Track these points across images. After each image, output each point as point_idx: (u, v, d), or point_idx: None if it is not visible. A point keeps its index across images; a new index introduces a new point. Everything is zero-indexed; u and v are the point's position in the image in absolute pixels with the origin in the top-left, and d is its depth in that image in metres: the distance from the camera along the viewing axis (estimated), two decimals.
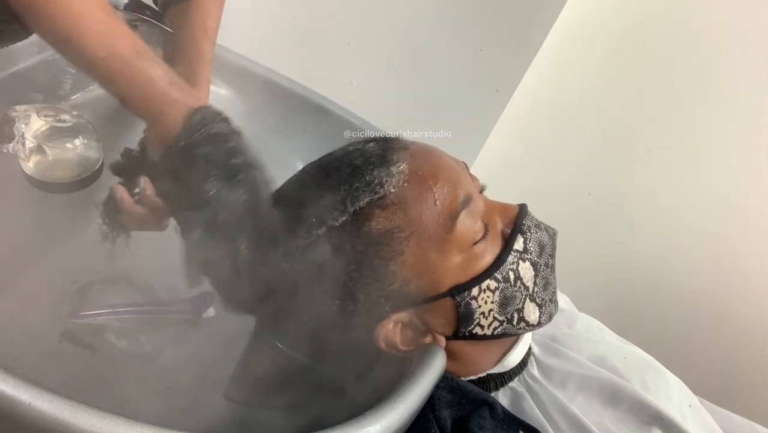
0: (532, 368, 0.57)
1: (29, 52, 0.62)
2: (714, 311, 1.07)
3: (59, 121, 0.52)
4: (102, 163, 0.54)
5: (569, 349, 0.59)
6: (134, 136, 0.71)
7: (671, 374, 0.61)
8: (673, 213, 1.06)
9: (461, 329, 0.50)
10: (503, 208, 0.53)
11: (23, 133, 0.50)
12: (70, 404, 0.34)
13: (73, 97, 0.64)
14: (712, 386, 0.77)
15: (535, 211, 0.55)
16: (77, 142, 0.52)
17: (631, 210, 1.09)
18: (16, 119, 0.50)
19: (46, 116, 0.52)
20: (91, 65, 0.45)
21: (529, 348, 0.58)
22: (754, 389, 1.06)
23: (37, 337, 0.58)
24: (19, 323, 0.57)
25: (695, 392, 0.62)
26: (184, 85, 0.50)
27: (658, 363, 0.62)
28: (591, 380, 0.56)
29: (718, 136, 0.99)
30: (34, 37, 0.61)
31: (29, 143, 0.50)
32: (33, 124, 0.51)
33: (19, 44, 0.60)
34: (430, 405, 0.48)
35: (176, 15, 0.62)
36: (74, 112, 0.53)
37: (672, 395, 0.58)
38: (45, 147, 0.51)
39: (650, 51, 0.98)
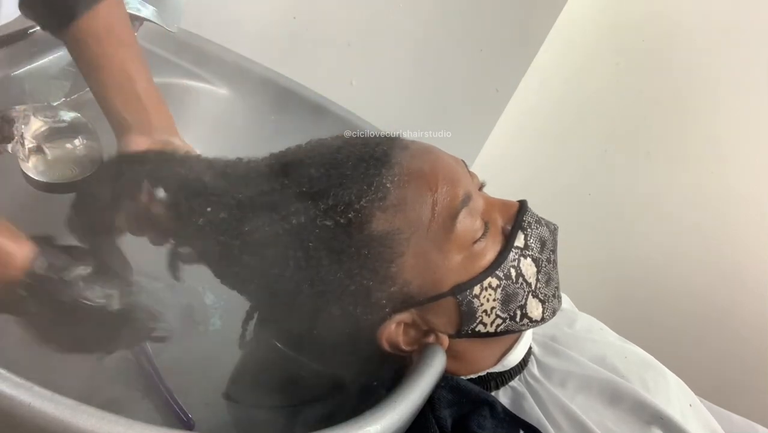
0: (533, 367, 0.57)
1: (29, 53, 0.62)
2: (714, 311, 1.07)
3: (58, 121, 0.52)
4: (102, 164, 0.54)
5: (570, 349, 0.59)
6: None
7: (671, 373, 0.61)
8: (673, 213, 1.06)
9: (464, 327, 0.50)
10: (503, 205, 0.53)
11: (22, 133, 0.50)
12: (70, 404, 0.34)
13: (73, 97, 0.64)
14: (712, 386, 0.77)
15: (535, 211, 0.54)
16: (77, 142, 0.52)
17: (631, 210, 1.09)
18: (16, 120, 0.50)
19: (45, 116, 0.52)
20: None
21: (530, 347, 0.58)
22: (754, 389, 1.06)
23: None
24: (19, 323, 0.57)
25: (695, 391, 0.62)
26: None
27: (658, 363, 0.61)
28: (591, 380, 0.56)
29: (719, 137, 0.99)
30: (33, 38, 0.61)
31: (29, 144, 0.50)
32: (32, 125, 0.51)
33: (19, 45, 0.61)
34: (430, 405, 0.48)
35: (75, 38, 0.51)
36: (74, 112, 0.52)
37: (672, 394, 0.58)
38: (44, 147, 0.51)
39: (650, 51, 0.98)
